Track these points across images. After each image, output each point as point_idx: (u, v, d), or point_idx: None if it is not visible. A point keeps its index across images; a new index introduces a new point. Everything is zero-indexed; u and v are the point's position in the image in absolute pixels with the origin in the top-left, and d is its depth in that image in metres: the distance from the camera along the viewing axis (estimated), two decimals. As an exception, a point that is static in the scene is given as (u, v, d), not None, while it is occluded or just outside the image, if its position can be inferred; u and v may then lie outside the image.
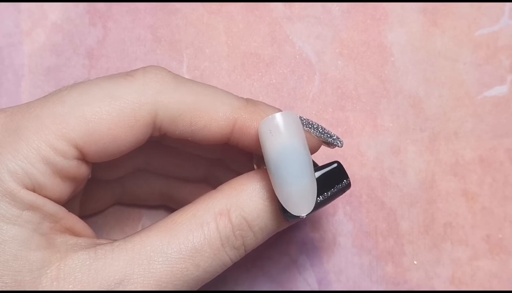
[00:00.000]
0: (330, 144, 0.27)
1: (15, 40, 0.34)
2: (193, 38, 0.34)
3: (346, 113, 0.33)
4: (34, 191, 0.23)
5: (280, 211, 0.25)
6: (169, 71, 0.26)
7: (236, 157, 0.30)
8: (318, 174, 0.26)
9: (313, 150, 0.27)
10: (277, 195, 0.25)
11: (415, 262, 0.32)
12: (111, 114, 0.24)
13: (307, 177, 0.24)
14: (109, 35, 0.34)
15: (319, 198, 0.26)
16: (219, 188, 0.26)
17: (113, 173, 0.30)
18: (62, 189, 0.24)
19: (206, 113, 0.25)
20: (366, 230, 0.33)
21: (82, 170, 0.25)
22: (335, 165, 0.27)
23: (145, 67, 0.26)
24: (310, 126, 0.26)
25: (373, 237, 0.33)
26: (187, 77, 0.34)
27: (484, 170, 0.32)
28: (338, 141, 0.27)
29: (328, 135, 0.27)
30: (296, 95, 0.33)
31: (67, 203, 0.25)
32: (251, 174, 0.26)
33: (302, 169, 0.24)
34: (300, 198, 0.24)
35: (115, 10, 0.34)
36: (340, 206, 0.33)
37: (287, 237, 0.33)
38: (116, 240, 0.25)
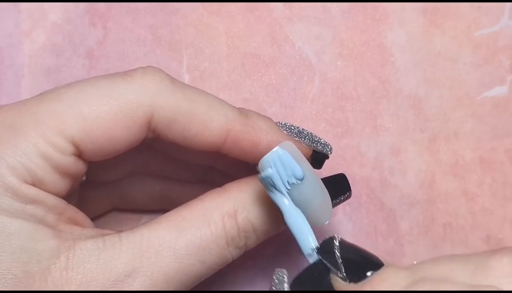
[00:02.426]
0: (320, 151, 0.28)
1: (15, 40, 0.34)
2: (193, 38, 0.34)
3: (346, 114, 0.33)
4: (34, 185, 0.23)
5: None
6: (167, 74, 0.26)
7: (227, 164, 0.30)
8: (324, 183, 0.26)
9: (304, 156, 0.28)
10: None
11: (415, 263, 0.32)
12: (108, 113, 0.24)
13: (323, 197, 0.25)
14: (109, 35, 0.34)
15: None
16: (227, 187, 0.27)
17: (109, 175, 0.30)
18: (61, 184, 0.24)
19: (200, 121, 0.25)
20: (366, 231, 0.33)
21: (79, 167, 0.25)
22: (341, 177, 0.28)
23: (144, 67, 0.26)
24: (300, 136, 0.27)
25: (373, 237, 0.33)
26: (187, 77, 0.34)
27: (484, 170, 0.32)
28: (327, 148, 0.28)
29: (318, 143, 0.28)
30: (296, 96, 0.33)
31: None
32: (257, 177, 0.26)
33: (317, 194, 0.25)
34: (320, 216, 0.26)
35: (115, 10, 0.34)
36: (340, 207, 0.33)
37: (287, 236, 0.33)
38: (121, 231, 0.25)
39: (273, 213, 0.26)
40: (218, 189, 0.27)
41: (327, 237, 0.25)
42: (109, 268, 0.23)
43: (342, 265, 0.23)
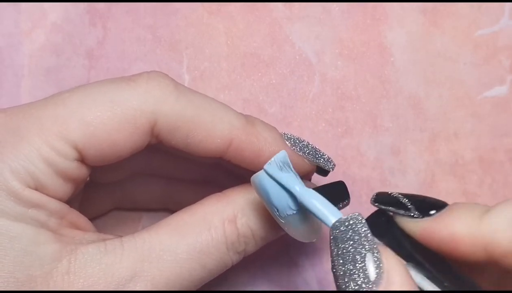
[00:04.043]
0: (322, 168, 0.28)
1: (15, 40, 0.34)
2: (193, 38, 0.34)
3: (346, 114, 0.33)
4: (36, 190, 0.23)
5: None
6: (172, 79, 0.25)
7: (229, 165, 0.30)
8: (322, 192, 0.26)
9: (306, 173, 0.28)
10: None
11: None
12: (112, 119, 0.24)
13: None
14: (109, 35, 0.34)
15: None
16: (227, 193, 0.27)
17: (111, 176, 0.30)
18: (63, 189, 0.24)
19: (204, 129, 0.25)
20: (366, 230, 0.33)
21: (82, 172, 0.25)
22: (340, 184, 0.28)
23: (148, 73, 0.25)
24: (304, 150, 0.27)
25: (373, 237, 0.33)
26: (187, 77, 0.34)
27: (484, 170, 0.32)
28: (329, 165, 0.28)
29: (321, 159, 0.28)
30: (296, 96, 0.33)
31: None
32: None
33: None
34: (308, 233, 0.25)
35: (115, 10, 0.34)
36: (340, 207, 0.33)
37: (287, 237, 0.33)
38: (122, 236, 0.25)
39: (273, 220, 0.26)
40: (218, 194, 0.27)
41: (376, 193, 0.26)
42: (110, 272, 0.23)
43: (410, 203, 0.24)
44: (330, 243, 0.21)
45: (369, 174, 0.33)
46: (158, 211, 0.33)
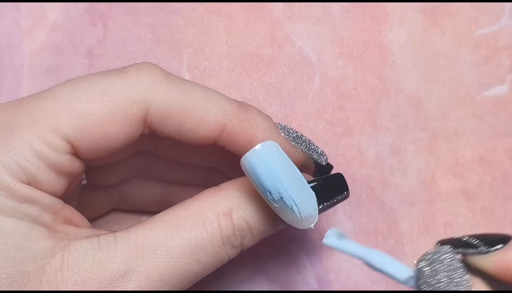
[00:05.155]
0: (315, 161, 0.28)
1: (15, 40, 0.34)
2: (193, 38, 0.34)
3: (346, 113, 0.33)
4: (29, 184, 0.23)
5: (279, 218, 0.26)
6: (162, 69, 0.25)
7: (231, 165, 0.30)
8: (321, 184, 0.26)
9: (300, 164, 0.27)
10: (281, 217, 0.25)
11: (415, 262, 0.32)
12: (103, 110, 0.24)
13: (306, 198, 0.25)
14: (109, 35, 0.34)
15: (319, 206, 0.26)
16: (223, 186, 0.26)
17: (109, 178, 0.30)
18: (56, 183, 0.24)
19: (196, 115, 0.25)
20: (366, 230, 0.33)
21: (76, 165, 0.25)
22: (338, 176, 0.28)
23: (138, 63, 0.25)
24: (297, 141, 0.27)
25: (373, 236, 0.33)
26: (187, 76, 0.34)
27: (484, 169, 0.32)
28: (322, 158, 0.28)
29: (314, 152, 0.28)
30: (296, 95, 0.33)
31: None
32: None
33: (299, 193, 0.25)
34: (303, 219, 0.25)
35: (115, 10, 0.34)
36: (340, 206, 0.33)
37: (287, 235, 0.33)
38: (116, 231, 0.25)
39: (269, 212, 0.26)
40: (214, 187, 0.26)
41: (439, 241, 0.26)
42: (104, 267, 0.23)
43: (477, 241, 0.25)
44: (419, 283, 0.23)
45: (369, 173, 0.33)
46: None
